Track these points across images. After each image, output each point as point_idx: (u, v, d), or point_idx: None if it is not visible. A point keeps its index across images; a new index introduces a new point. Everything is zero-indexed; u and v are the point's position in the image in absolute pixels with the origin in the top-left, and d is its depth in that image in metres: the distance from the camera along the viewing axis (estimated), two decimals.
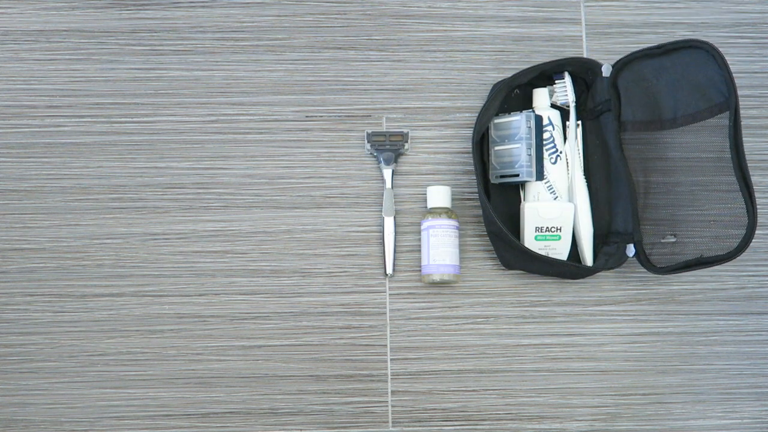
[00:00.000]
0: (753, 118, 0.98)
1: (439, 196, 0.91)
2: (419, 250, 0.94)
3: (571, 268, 0.88)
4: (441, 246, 0.89)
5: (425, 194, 0.95)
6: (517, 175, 0.89)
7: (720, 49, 0.92)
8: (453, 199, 0.95)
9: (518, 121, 0.90)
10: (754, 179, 0.97)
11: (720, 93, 0.82)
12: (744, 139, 0.98)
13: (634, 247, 0.88)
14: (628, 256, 0.89)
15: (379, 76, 0.97)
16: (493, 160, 0.92)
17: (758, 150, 0.98)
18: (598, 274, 0.94)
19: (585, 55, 0.98)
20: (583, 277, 0.90)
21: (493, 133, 0.92)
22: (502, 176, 0.91)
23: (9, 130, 0.95)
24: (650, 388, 0.93)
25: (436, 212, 0.90)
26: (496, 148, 0.91)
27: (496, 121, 0.92)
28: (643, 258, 0.88)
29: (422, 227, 0.91)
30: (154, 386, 0.91)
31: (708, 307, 0.94)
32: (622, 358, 0.93)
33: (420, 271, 0.93)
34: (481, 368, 0.92)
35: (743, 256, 0.95)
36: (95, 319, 0.92)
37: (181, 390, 0.91)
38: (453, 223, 0.90)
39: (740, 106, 0.98)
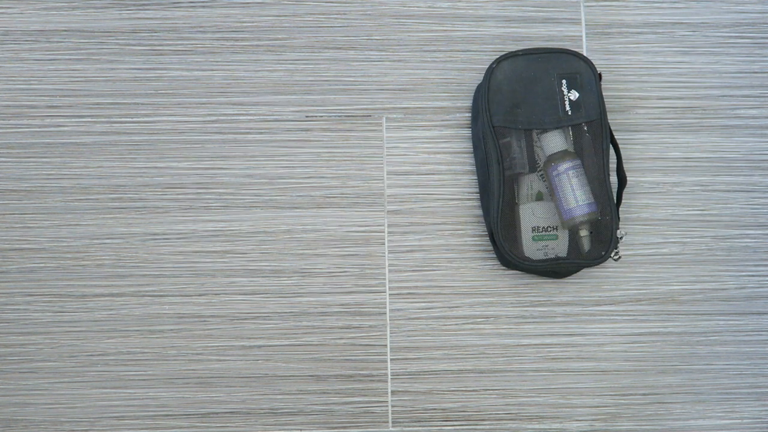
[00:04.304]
0: (753, 118, 0.98)
1: (556, 139, 0.89)
2: (419, 250, 0.94)
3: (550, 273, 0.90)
4: (583, 186, 0.88)
5: (425, 194, 0.95)
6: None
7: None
8: (453, 199, 0.95)
9: None
10: (754, 179, 0.97)
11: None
12: (744, 139, 0.98)
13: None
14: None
15: (379, 76, 0.97)
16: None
17: (758, 150, 0.98)
18: (597, 274, 0.94)
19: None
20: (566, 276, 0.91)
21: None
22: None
23: (9, 130, 0.95)
24: (650, 388, 0.93)
25: (558, 156, 0.89)
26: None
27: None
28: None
29: (556, 172, 0.89)
30: (154, 386, 0.91)
31: (708, 307, 0.94)
32: (622, 358, 0.93)
33: (562, 217, 0.89)
34: (481, 368, 0.92)
35: (743, 255, 0.95)
36: (95, 319, 0.92)
37: (181, 390, 0.91)
38: (578, 161, 0.89)
39: (741, 106, 0.98)
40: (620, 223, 0.94)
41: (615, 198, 0.92)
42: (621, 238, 0.88)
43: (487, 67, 0.98)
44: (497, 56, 0.98)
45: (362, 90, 0.97)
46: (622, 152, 0.97)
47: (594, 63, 0.96)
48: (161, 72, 0.97)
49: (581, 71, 0.91)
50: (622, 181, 0.92)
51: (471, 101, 0.97)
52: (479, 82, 0.97)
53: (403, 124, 0.97)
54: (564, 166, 0.88)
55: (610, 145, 0.91)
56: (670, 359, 0.93)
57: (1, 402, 0.90)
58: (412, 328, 0.93)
